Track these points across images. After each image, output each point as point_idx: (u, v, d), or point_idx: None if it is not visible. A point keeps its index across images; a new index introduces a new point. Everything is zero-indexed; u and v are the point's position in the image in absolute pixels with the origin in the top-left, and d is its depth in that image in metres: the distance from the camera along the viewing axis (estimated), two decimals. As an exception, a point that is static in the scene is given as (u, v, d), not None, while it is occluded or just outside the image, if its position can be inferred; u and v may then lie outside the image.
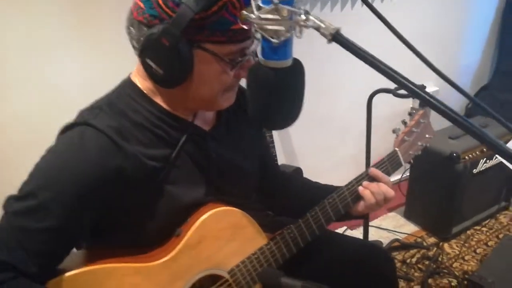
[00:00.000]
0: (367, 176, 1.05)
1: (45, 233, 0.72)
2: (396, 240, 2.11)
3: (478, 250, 2.07)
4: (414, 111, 1.16)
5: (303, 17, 0.60)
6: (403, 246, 2.08)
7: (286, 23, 0.61)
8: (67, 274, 0.76)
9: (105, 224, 0.84)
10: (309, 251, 1.06)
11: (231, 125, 1.00)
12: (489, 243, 2.12)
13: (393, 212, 2.40)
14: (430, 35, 2.37)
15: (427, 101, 0.55)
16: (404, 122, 1.15)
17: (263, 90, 0.68)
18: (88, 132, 0.77)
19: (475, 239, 2.14)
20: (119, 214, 0.83)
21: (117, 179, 0.78)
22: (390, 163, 1.09)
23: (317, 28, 0.58)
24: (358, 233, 2.13)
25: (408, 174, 2.31)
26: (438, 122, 2.60)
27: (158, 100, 0.86)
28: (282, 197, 1.20)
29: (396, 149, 1.11)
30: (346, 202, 1.04)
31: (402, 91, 1.47)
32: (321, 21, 0.59)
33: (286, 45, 0.65)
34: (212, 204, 0.92)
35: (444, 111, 0.53)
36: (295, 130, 2.15)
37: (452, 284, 1.85)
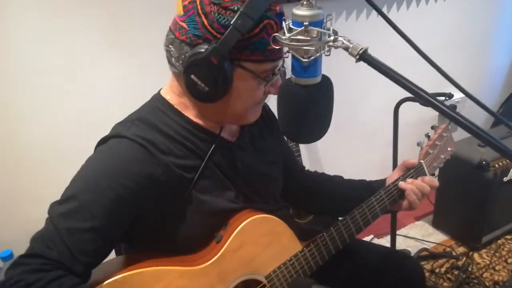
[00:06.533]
0: (396, 189, 1.11)
1: (89, 232, 0.76)
2: (425, 249, 2.09)
3: (509, 260, 2.02)
4: (436, 125, 1.22)
5: (332, 37, 0.63)
6: (432, 255, 2.06)
7: (316, 43, 0.65)
8: (118, 276, 0.79)
9: (144, 229, 0.88)
10: (338, 259, 1.08)
11: (254, 134, 1.05)
12: (521, 253, 2.07)
13: (420, 221, 2.37)
14: (460, 38, 2.33)
15: (450, 116, 0.58)
16: (428, 136, 1.21)
17: (294, 106, 0.72)
18: (122, 143, 0.84)
19: (506, 249, 2.10)
20: (156, 220, 0.88)
21: (151, 185, 0.83)
22: (416, 175, 1.14)
23: (346, 48, 0.62)
24: (385, 241, 2.12)
25: (436, 182, 2.28)
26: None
27: (188, 114, 0.92)
28: (313, 199, 1.25)
29: (422, 161, 1.16)
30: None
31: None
32: (349, 41, 0.62)
33: (315, 63, 0.68)
34: (248, 211, 0.96)
35: (467, 126, 0.56)
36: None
37: (483, 294, 1.83)
